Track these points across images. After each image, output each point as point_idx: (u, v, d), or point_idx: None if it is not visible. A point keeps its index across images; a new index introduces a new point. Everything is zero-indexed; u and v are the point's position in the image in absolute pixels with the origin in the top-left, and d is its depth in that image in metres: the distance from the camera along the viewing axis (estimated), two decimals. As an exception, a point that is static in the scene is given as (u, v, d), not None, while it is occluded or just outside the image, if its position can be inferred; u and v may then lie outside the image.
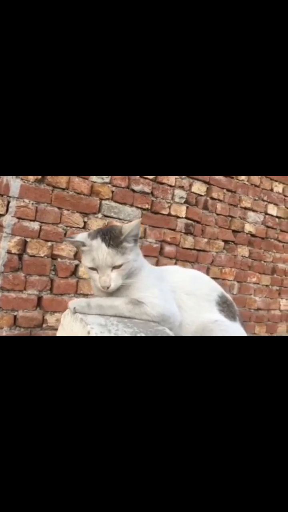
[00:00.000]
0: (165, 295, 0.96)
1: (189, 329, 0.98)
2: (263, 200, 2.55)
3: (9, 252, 1.56)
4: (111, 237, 0.90)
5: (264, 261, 2.57)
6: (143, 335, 0.80)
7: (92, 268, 0.91)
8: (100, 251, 0.89)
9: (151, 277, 0.98)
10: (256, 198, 2.51)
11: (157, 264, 1.98)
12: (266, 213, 2.57)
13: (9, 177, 1.58)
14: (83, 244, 0.92)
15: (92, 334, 0.76)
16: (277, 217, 2.64)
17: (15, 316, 1.58)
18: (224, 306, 1.04)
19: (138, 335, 0.80)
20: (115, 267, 0.89)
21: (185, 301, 0.99)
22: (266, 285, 2.59)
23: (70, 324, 0.88)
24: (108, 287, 0.89)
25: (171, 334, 0.87)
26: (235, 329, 1.01)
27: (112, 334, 0.77)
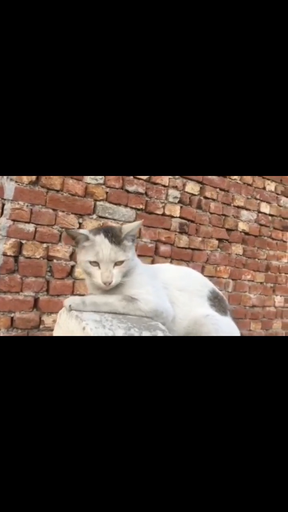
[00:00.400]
0: (157, 291, 0.98)
1: (182, 324, 1.00)
2: (256, 199, 2.58)
3: (4, 254, 1.57)
4: (113, 234, 0.94)
5: (258, 259, 2.60)
6: (137, 330, 0.82)
7: (94, 263, 0.93)
8: (104, 245, 0.92)
9: (144, 275, 1.00)
10: (249, 197, 2.54)
11: (152, 263, 2.00)
12: (259, 211, 2.60)
13: (3, 180, 1.59)
14: (87, 238, 0.94)
15: (87, 329, 0.78)
16: (270, 215, 2.67)
17: (12, 318, 1.59)
18: (215, 301, 1.06)
19: (132, 330, 0.82)
20: (116, 264, 0.92)
21: (177, 297, 1.02)
22: (261, 283, 2.62)
23: (66, 322, 0.90)
24: (110, 283, 0.91)
25: (164, 328, 0.90)
26: (226, 323, 1.03)
27: (106, 329, 0.79)
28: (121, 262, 0.92)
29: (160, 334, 0.85)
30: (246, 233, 2.52)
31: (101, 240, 0.93)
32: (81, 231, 0.98)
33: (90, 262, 0.93)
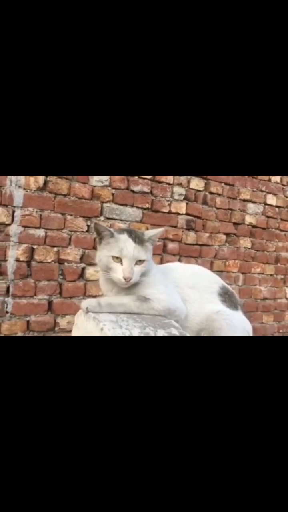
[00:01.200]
0: (170, 290, 1.01)
1: (194, 320, 1.03)
2: (262, 191, 2.58)
3: (17, 260, 1.61)
4: (136, 235, 1.00)
5: (267, 251, 2.60)
6: (152, 328, 0.85)
7: (117, 260, 0.96)
8: (128, 243, 0.97)
9: (157, 275, 1.03)
10: (255, 190, 2.54)
11: (161, 261, 2.02)
12: (266, 204, 2.60)
13: (12, 188, 1.63)
14: (112, 235, 0.99)
15: (105, 330, 0.81)
16: (276, 206, 2.67)
17: (28, 321, 1.63)
18: (226, 296, 1.09)
19: (147, 329, 0.84)
20: (136, 263, 0.97)
21: (189, 294, 1.04)
22: (271, 275, 2.62)
23: (84, 323, 0.93)
24: (130, 279, 0.94)
25: (177, 326, 0.92)
26: (237, 318, 1.05)
27: (123, 329, 0.82)
28: (142, 261, 0.97)
29: (174, 331, 0.88)
30: (254, 226, 2.52)
31: (125, 239, 0.98)
32: (107, 227, 1.02)
33: (113, 258, 0.96)
